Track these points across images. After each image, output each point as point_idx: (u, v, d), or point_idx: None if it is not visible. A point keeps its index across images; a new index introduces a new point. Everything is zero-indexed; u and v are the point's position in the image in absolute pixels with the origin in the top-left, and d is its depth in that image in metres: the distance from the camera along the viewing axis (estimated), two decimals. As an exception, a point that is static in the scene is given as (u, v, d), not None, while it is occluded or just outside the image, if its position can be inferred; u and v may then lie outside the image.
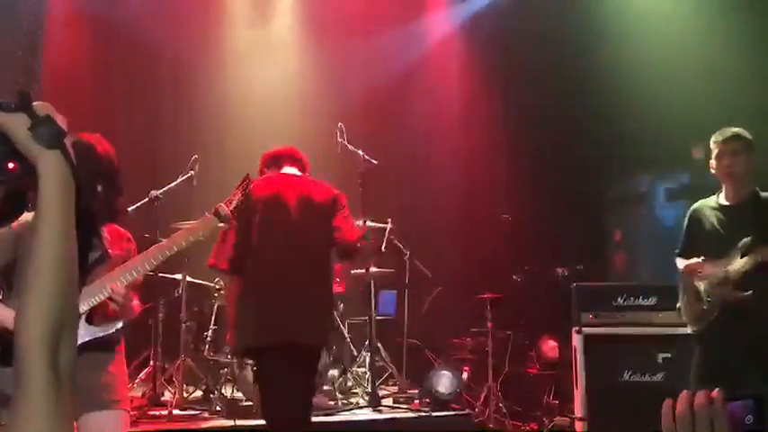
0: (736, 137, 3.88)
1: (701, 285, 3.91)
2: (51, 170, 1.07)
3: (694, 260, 3.93)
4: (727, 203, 3.93)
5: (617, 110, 7.02)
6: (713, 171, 3.98)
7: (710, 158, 3.98)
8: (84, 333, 2.65)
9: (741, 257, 3.74)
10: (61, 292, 1.04)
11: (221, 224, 2.99)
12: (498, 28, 8.06)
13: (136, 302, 2.88)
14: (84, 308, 2.66)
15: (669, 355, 5.34)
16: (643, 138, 6.77)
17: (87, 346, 2.65)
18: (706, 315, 3.88)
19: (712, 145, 3.95)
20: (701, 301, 3.91)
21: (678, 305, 4.13)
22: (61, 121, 1.11)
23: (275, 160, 3.93)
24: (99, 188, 2.77)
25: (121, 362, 2.89)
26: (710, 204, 3.99)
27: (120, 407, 2.78)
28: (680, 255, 4.11)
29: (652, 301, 5.46)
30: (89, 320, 2.69)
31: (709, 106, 6.45)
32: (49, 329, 1.01)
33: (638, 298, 5.23)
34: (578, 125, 7.35)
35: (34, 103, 1.10)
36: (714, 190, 4.08)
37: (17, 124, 1.07)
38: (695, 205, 4.09)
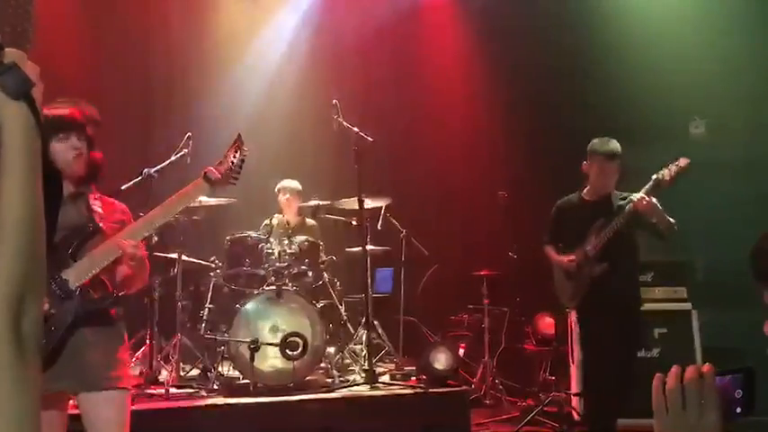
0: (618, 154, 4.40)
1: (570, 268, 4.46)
2: (16, 123, 0.98)
3: (566, 258, 4.45)
4: (589, 198, 4.50)
5: (616, 85, 6.97)
6: (590, 173, 4.43)
7: (594, 163, 4.40)
8: (80, 307, 2.64)
9: (598, 235, 4.32)
10: (27, 253, 0.96)
11: (212, 188, 2.94)
12: (498, 5, 7.98)
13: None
14: (80, 281, 2.65)
15: (665, 331, 5.37)
16: (641, 114, 6.74)
17: (83, 319, 2.65)
18: (578, 293, 4.42)
19: (600, 157, 4.38)
20: (571, 280, 4.45)
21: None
22: (31, 69, 1.01)
23: None
24: (72, 139, 2.70)
25: (121, 337, 2.85)
26: (574, 201, 4.59)
27: (120, 384, 2.75)
28: (548, 243, 4.68)
29: (648, 276, 5.47)
30: (84, 293, 2.67)
31: (709, 82, 6.42)
32: (12, 291, 0.94)
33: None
34: (577, 100, 7.31)
35: (6, 50, 1.00)
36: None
37: None
38: (560, 202, 4.68)
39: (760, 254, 1.51)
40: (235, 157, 2.98)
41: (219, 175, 2.92)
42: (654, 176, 4.18)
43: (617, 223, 4.24)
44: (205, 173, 2.93)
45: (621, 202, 4.38)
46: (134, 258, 2.71)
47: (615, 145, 4.38)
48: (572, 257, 4.42)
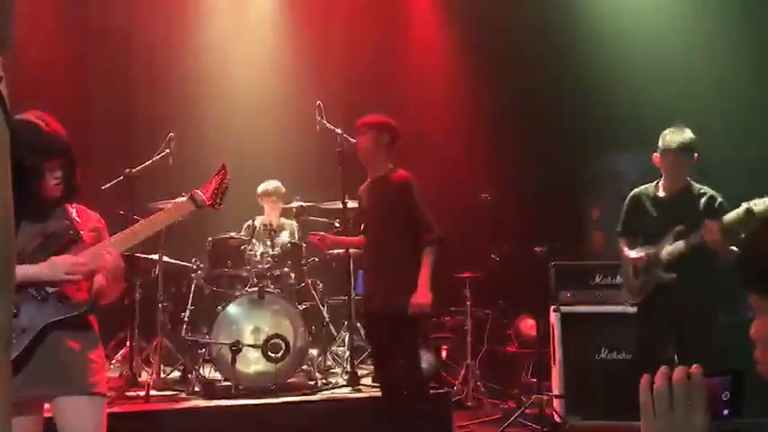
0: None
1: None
2: None
3: (636, 253, 4.23)
4: (663, 194, 4.27)
5: (596, 89, 7.02)
6: (661, 167, 4.25)
7: (664, 157, 4.21)
8: (55, 311, 2.60)
9: (674, 242, 4.06)
10: None
11: (196, 209, 2.99)
12: (481, 7, 8.00)
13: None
14: (58, 286, 2.61)
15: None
16: (621, 117, 6.78)
17: (59, 323, 2.61)
18: (643, 291, 4.22)
19: (669, 150, 4.19)
20: (637, 278, 4.25)
21: (620, 281, 4.53)
22: None
23: None
24: (56, 166, 2.67)
25: (98, 343, 2.81)
26: (649, 192, 4.33)
27: (97, 390, 2.70)
28: (621, 235, 4.44)
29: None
30: (60, 298, 2.63)
31: (688, 87, 6.47)
32: None
33: (616, 276, 5.24)
34: (561, 104, 7.34)
35: None
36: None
37: None
38: (635, 191, 4.39)
39: (745, 257, 1.52)
40: (219, 185, 3.07)
41: (205, 198, 2.99)
42: (746, 205, 3.73)
43: (689, 243, 3.97)
44: (192, 195, 2.99)
45: (702, 200, 4.13)
46: (114, 272, 2.69)
47: (681, 136, 4.14)
48: (641, 256, 4.18)
